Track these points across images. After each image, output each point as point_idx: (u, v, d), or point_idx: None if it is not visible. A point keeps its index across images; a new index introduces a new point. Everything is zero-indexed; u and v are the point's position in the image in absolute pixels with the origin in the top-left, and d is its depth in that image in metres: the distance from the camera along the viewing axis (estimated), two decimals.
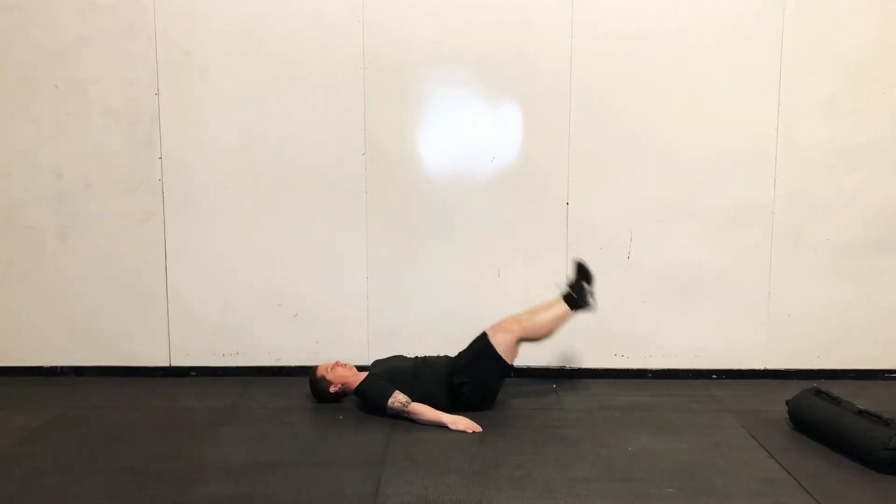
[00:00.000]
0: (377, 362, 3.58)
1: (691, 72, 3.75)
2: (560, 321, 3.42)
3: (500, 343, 3.34)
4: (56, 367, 3.95)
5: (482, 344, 3.37)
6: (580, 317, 3.85)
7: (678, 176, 3.81)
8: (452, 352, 3.53)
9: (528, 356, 3.90)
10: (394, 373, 3.39)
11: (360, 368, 3.56)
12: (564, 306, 3.42)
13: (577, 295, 3.42)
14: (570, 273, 3.63)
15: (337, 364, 3.51)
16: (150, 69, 3.78)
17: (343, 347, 3.88)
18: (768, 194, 3.80)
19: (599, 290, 3.83)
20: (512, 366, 3.41)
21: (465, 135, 3.81)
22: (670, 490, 2.62)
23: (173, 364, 3.94)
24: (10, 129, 3.81)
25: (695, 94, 3.76)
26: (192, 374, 3.94)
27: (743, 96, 3.76)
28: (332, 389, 3.45)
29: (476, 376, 3.33)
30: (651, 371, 3.92)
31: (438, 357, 3.54)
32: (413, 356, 3.60)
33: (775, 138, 3.78)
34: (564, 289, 3.47)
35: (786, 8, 3.71)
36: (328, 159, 3.82)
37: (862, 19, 3.71)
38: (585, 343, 3.91)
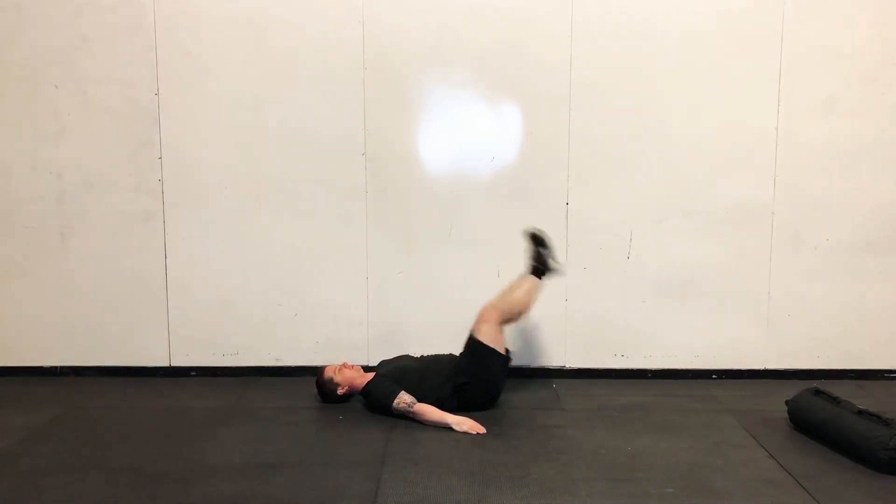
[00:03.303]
0: (384, 362, 3.58)
1: (691, 71, 3.75)
2: (532, 292, 3.49)
3: (485, 335, 3.36)
4: (56, 367, 3.95)
5: (471, 342, 3.39)
6: (580, 316, 3.88)
7: (678, 175, 3.81)
8: (455, 351, 3.52)
9: (529, 356, 3.92)
10: (400, 373, 3.39)
11: (366, 369, 3.57)
12: (532, 278, 3.50)
13: (539, 263, 3.51)
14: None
15: (344, 366, 3.52)
16: (150, 69, 3.78)
17: (343, 347, 3.89)
18: (768, 194, 3.81)
19: (600, 289, 3.86)
20: (507, 354, 3.42)
21: (465, 135, 3.81)
22: (670, 490, 2.62)
23: (173, 364, 3.94)
24: (10, 129, 3.82)
25: (695, 93, 3.76)
26: (192, 374, 3.94)
27: (743, 96, 3.76)
28: (339, 392, 3.46)
29: (476, 375, 3.34)
30: (651, 371, 3.92)
31: (444, 356, 3.54)
32: (419, 356, 3.60)
33: (775, 138, 3.78)
34: (529, 263, 3.54)
35: (786, 8, 3.71)
36: (328, 159, 3.82)
37: (862, 19, 3.71)
38: (585, 343, 3.91)
